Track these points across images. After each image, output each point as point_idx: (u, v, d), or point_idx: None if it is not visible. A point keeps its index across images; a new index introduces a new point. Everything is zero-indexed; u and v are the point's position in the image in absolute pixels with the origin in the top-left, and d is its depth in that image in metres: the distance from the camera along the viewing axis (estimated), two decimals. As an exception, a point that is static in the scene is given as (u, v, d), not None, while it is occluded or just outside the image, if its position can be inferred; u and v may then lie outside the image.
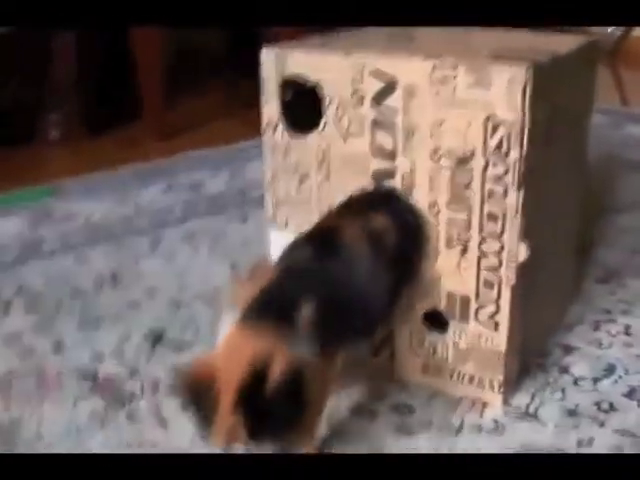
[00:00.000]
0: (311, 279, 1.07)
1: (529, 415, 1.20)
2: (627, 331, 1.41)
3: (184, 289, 1.57)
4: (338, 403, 1.21)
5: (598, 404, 1.22)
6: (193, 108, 2.84)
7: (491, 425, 1.18)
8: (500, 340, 1.19)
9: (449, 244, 1.17)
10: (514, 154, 1.10)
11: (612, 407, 1.22)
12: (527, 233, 1.14)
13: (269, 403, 0.94)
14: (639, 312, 1.46)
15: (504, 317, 1.18)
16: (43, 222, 1.91)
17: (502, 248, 1.14)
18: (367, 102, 1.18)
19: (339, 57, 1.18)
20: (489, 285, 1.17)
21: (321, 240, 1.14)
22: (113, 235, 1.83)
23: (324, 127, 1.22)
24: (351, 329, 1.09)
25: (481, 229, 1.15)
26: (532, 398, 1.23)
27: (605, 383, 1.27)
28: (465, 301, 1.19)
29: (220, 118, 2.72)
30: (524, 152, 1.10)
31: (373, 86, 1.17)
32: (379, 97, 1.17)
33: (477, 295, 1.18)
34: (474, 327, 1.20)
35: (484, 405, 1.22)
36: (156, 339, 1.39)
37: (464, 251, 1.17)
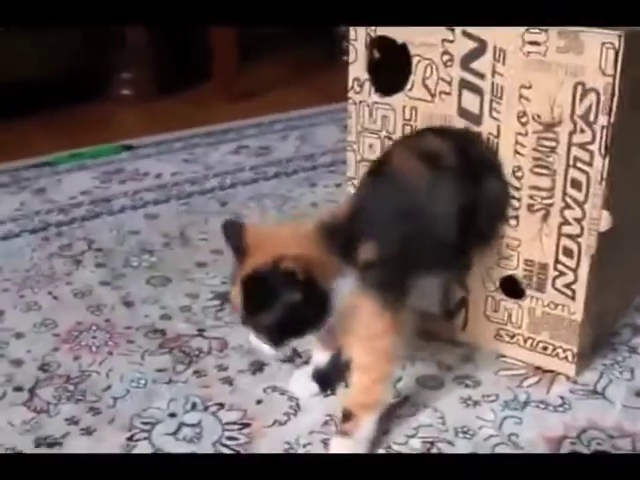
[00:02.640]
0: (373, 213, 1.08)
1: (596, 393, 1.18)
2: (699, 314, 1.38)
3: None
4: (405, 372, 1.22)
5: (667, 386, 1.20)
6: (264, 72, 2.83)
7: (557, 401, 1.17)
8: (576, 309, 1.18)
9: (531, 210, 1.16)
10: (602, 120, 1.08)
11: (682, 390, 1.20)
12: (611, 202, 1.13)
13: (270, 300, 0.97)
14: None
15: (582, 286, 1.16)
16: (114, 179, 1.93)
17: (584, 216, 1.13)
18: (456, 63, 1.17)
19: None
20: (569, 253, 1.16)
21: (376, 171, 1.16)
22: (182, 194, 1.84)
23: (411, 87, 1.22)
24: (421, 255, 1.09)
25: (564, 195, 1.14)
26: (600, 376, 1.22)
27: (675, 365, 1.25)
28: (543, 268, 1.18)
29: (291, 83, 2.72)
30: (612, 119, 1.08)
31: (463, 48, 1.16)
32: (468, 59, 1.16)
33: (556, 263, 1.17)
34: (551, 295, 1.19)
35: (551, 381, 1.21)
36: (224, 299, 1.40)
37: (545, 217, 1.16)
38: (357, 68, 1.26)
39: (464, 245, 1.17)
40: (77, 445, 1.08)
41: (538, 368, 1.23)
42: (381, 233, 1.06)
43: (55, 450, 1.07)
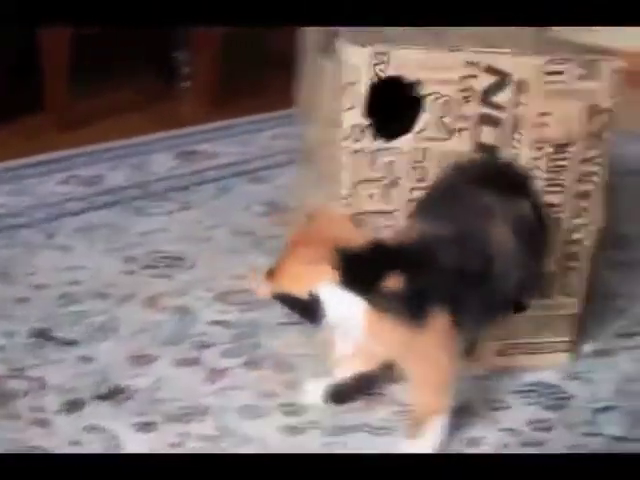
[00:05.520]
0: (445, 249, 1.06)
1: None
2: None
3: (76, 284, 1.52)
4: (227, 403, 1.20)
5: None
6: (99, 100, 2.76)
7: (380, 424, 1.17)
8: (575, 304, 1.30)
9: None
10: (607, 135, 1.21)
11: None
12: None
13: None
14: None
15: (582, 282, 1.29)
16: None
17: (588, 221, 1.25)
18: (476, 98, 1.17)
19: (450, 54, 1.15)
20: (573, 257, 1.27)
21: (467, 228, 1.10)
22: (6, 227, 1.76)
23: (425, 127, 1.17)
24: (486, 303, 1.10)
25: (572, 206, 1.24)
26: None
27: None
28: (550, 278, 1.25)
29: (126, 111, 2.66)
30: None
31: (483, 82, 1.16)
32: (488, 93, 1.17)
33: (560, 268, 1.25)
34: (554, 299, 1.27)
35: (377, 404, 1.21)
36: (43, 336, 1.34)
37: (555, 231, 1.22)
38: (355, 114, 1.15)
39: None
40: None
41: (365, 392, 1.23)
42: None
43: None
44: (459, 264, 1.05)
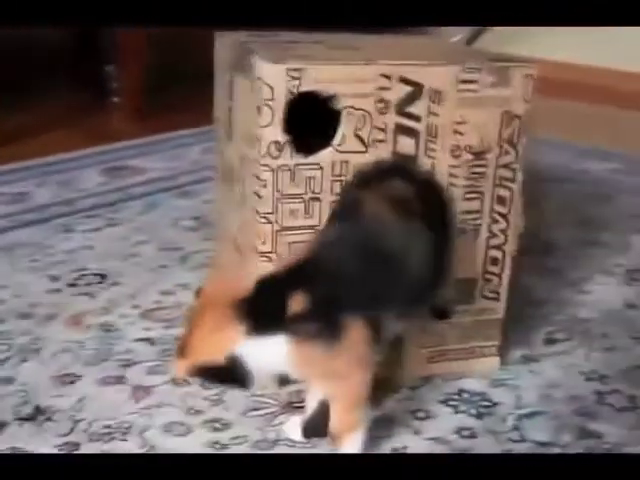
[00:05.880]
0: (337, 256, 1.05)
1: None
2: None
3: (-1, 304, 1.50)
4: (152, 421, 1.19)
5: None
6: (26, 116, 2.73)
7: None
8: (500, 308, 1.34)
9: (462, 232, 1.22)
10: (522, 141, 1.24)
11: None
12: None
13: None
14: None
15: (505, 287, 1.32)
16: None
17: (508, 226, 1.28)
18: (392, 110, 1.18)
19: (364, 67, 1.16)
20: (495, 261, 1.30)
21: (345, 217, 1.11)
22: None
23: (342, 140, 1.17)
24: (394, 298, 1.07)
25: (491, 212, 1.27)
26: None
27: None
28: (473, 283, 1.29)
29: (54, 127, 2.64)
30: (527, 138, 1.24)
31: (398, 93, 1.17)
32: (404, 104, 1.18)
33: (484, 274, 1.29)
34: (479, 304, 1.31)
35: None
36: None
37: (475, 236, 1.25)
38: (274, 131, 1.15)
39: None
40: None
41: (289, 404, 1.23)
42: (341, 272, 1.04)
43: None
44: (360, 266, 1.04)
